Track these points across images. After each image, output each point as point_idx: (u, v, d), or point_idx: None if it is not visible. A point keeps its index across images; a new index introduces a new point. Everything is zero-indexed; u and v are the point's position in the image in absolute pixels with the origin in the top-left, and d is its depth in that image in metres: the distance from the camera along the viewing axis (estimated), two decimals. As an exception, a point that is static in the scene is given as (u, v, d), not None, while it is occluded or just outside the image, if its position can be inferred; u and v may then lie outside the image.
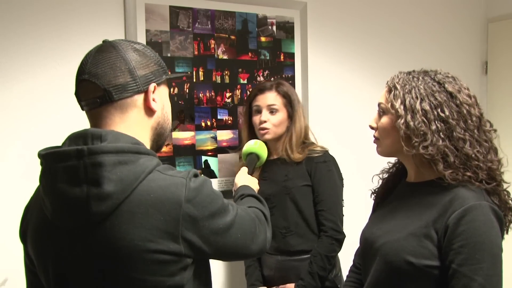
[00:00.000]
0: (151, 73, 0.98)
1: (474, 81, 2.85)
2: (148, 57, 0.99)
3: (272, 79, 2.23)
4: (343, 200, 1.86)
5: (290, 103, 1.86)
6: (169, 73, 1.07)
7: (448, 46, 2.77)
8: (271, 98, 1.85)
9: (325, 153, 1.85)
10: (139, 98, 0.97)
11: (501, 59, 2.81)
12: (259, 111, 1.87)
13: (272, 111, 1.84)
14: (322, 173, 1.82)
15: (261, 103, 1.86)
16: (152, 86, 0.98)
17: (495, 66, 2.85)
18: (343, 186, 1.88)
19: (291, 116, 1.87)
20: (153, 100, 0.99)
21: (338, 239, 1.79)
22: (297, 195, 1.82)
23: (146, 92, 0.98)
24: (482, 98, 2.85)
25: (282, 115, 1.85)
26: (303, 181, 1.82)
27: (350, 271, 1.45)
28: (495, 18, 2.85)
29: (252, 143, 1.58)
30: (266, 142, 1.86)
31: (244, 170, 1.46)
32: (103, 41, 1.00)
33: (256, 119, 1.87)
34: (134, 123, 0.97)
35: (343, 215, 1.84)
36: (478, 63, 2.90)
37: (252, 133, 1.91)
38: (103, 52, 0.95)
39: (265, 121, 1.83)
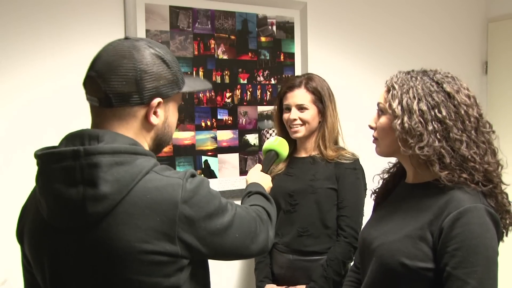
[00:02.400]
0: (161, 87, 0.95)
1: (474, 81, 2.85)
2: (165, 66, 0.96)
3: (272, 79, 2.22)
4: (363, 210, 1.83)
5: (320, 99, 1.83)
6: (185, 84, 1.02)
7: (448, 46, 2.77)
8: (299, 96, 1.82)
9: (356, 160, 1.83)
10: (140, 109, 0.95)
11: (501, 59, 2.81)
12: (289, 109, 1.84)
13: (301, 109, 1.81)
14: (351, 180, 1.80)
15: (290, 102, 1.83)
16: (156, 100, 0.95)
17: (495, 66, 2.85)
18: (365, 196, 1.84)
19: (322, 112, 1.84)
20: (155, 113, 0.97)
21: (356, 247, 1.74)
22: (322, 196, 1.79)
23: (148, 105, 0.95)
24: (482, 98, 2.84)
25: (312, 112, 1.82)
26: (330, 184, 1.80)
27: (350, 270, 1.45)
28: (495, 18, 2.85)
29: (272, 140, 1.53)
30: (295, 140, 1.87)
31: (258, 167, 1.43)
32: (126, 37, 0.97)
33: (286, 117, 1.85)
34: (131, 131, 0.96)
35: (362, 225, 1.79)
36: (478, 63, 2.90)
37: (284, 130, 1.89)
38: (118, 53, 0.93)
39: (294, 119, 1.81)
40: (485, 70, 2.89)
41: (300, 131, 1.82)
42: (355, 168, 1.81)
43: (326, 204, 1.79)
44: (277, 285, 1.83)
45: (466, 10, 2.84)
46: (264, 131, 2.26)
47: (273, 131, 2.27)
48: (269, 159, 1.48)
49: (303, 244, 1.80)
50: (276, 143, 1.50)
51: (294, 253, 1.81)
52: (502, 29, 2.80)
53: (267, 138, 2.21)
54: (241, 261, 2.19)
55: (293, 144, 1.88)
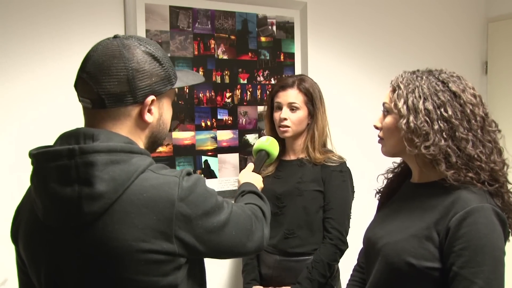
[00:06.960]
0: (153, 84, 0.95)
1: (474, 81, 2.81)
2: (156, 63, 0.95)
3: (272, 79, 2.22)
4: (351, 213, 1.84)
5: (311, 100, 1.85)
6: (176, 80, 1.02)
7: (448, 46, 2.77)
8: (292, 95, 1.83)
9: (343, 163, 1.84)
10: (134, 108, 0.94)
11: (501, 59, 2.81)
12: (280, 108, 1.86)
13: (293, 108, 1.83)
14: (337, 183, 1.81)
15: (282, 100, 1.85)
16: (149, 98, 0.94)
17: (495, 66, 2.85)
18: (353, 199, 1.86)
19: (311, 114, 1.86)
20: (149, 111, 0.96)
21: (342, 250, 1.78)
22: (308, 199, 1.80)
23: (142, 103, 0.94)
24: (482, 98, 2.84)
25: (302, 113, 1.84)
26: (316, 186, 1.81)
27: (354, 270, 1.45)
28: (495, 18, 2.85)
29: (263, 139, 1.55)
30: (284, 140, 1.88)
31: (250, 167, 1.45)
32: (115, 36, 0.96)
33: (276, 115, 1.87)
34: (126, 131, 0.95)
35: (349, 227, 1.82)
36: (478, 63, 2.90)
37: (274, 129, 1.90)
38: (108, 53, 0.92)
39: (285, 119, 1.82)
40: (485, 70, 2.89)
41: (289, 132, 1.84)
42: (342, 170, 1.82)
43: (312, 206, 1.81)
44: (264, 286, 1.84)
45: (466, 10, 2.84)
46: (264, 131, 2.26)
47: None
48: (260, 159, 1.51)
49: (289, 245, 1.82)
50: (268, 143, 1.52)
51: (280, 254, 1.83)
52: (502, 29, 2.80)
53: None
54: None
55: (282, 146, 1.87)
